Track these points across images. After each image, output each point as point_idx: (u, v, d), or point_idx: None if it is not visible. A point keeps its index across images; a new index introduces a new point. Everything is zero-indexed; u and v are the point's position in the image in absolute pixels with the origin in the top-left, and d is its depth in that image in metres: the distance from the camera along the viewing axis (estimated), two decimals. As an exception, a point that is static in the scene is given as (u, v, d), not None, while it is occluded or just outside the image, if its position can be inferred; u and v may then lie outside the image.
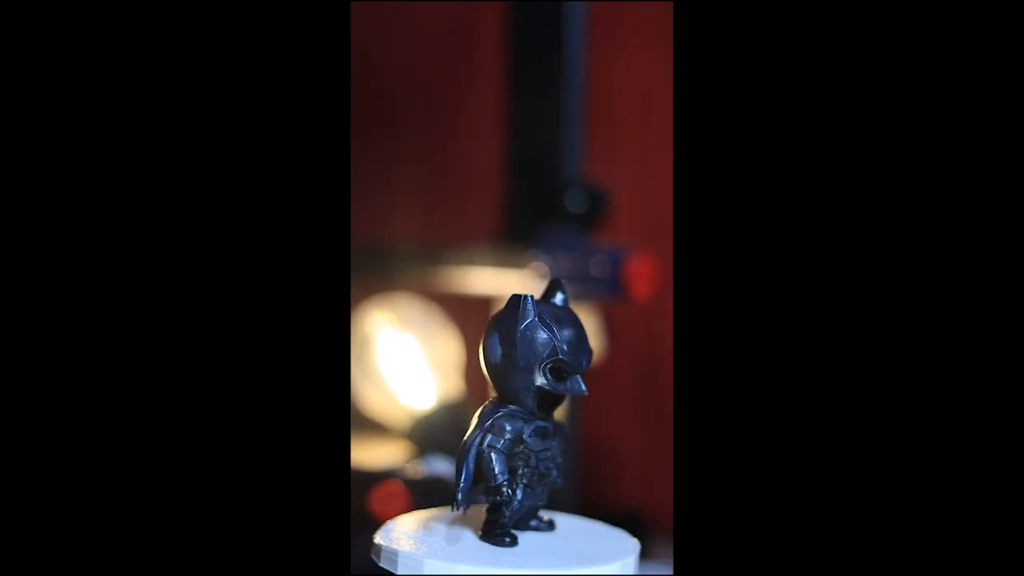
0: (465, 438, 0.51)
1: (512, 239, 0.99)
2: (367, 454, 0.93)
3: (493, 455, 0.50)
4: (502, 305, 0.52)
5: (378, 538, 0.51)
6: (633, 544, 0.52)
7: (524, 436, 0.51)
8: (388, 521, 0.54)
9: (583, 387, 0.51)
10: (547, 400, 0.51)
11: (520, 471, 0.51)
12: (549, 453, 0.51)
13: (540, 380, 0.50)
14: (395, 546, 0.50)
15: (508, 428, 0.51)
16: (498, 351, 0.51)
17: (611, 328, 0.99)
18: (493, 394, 0.52)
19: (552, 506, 0.54)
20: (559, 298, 0.53)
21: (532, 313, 0.50)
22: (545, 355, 0.50)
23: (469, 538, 0.51)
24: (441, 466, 0.82)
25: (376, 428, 1.00)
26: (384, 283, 1.06)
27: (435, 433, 0.90)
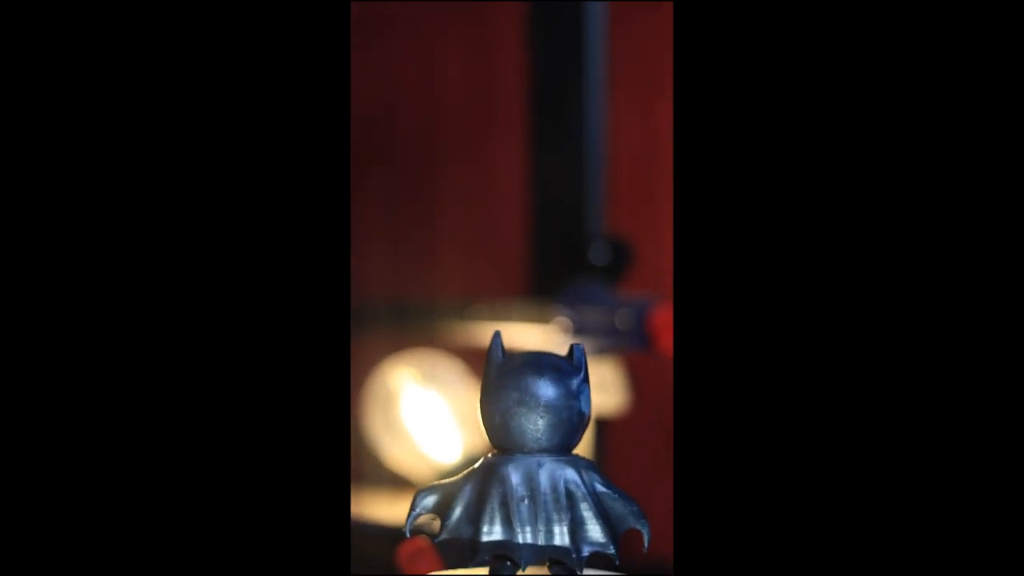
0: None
1: (536, 293, 0.99)
2: (394, 510, 0.92)
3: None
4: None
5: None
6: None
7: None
8: (415, 576, 0.53)
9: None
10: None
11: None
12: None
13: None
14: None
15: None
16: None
17: (635, 380, 0.99)
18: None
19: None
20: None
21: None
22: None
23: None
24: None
25: (402, 483, 1.00)
26: (408, 338, 1.06)
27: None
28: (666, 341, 0.90)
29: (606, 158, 1.01)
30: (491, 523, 0.50)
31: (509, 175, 1.15)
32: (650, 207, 1.13)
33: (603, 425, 0.94)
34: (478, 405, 0.51)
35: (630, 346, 0.91)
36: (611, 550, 0.51)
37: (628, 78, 1.12)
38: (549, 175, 0.99)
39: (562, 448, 0.51)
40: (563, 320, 0.92)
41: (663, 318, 0.90)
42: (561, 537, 0.51)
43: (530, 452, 0.51)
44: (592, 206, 0.99)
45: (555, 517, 0.51)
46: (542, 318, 0.94)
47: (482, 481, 0.51)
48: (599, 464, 0.92)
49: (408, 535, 0.50)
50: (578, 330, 0.92)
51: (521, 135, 1.06)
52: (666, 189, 1.13)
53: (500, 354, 0.51)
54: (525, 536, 0.50)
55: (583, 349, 0.52)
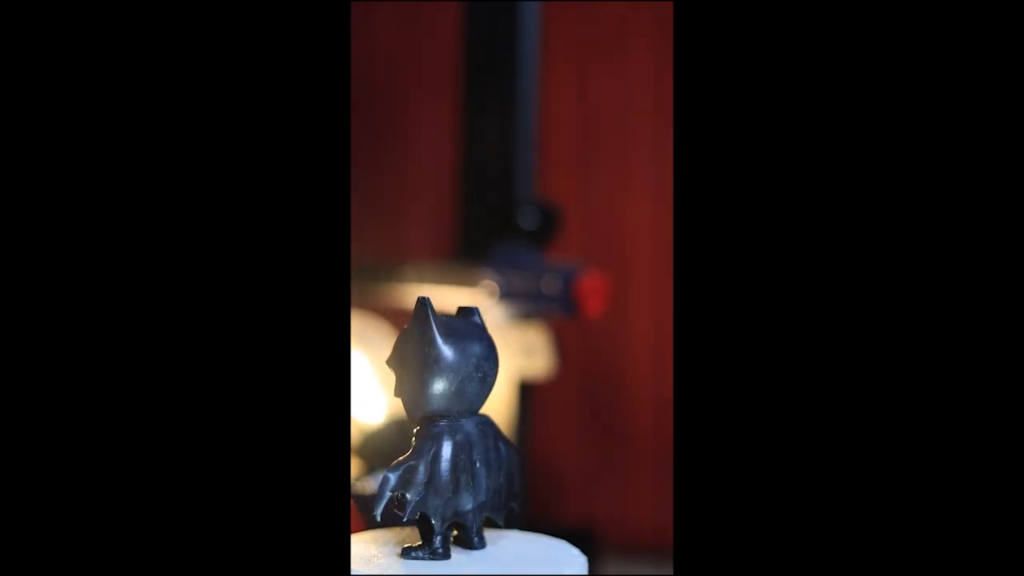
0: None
1: (463, 256, 0.99)
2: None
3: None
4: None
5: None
6: (580, 558, 0.52)
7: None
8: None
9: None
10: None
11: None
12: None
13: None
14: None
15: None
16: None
17: (560, 345, 0.99)
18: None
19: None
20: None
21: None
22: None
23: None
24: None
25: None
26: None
27: (385, 449, 0.90)
28: (592, 306, 0.90)
29: (538, 121, 1.01)
30: (455, 492, 0.50)
31: (438, 136, 1.15)
32: (580, 172, 1.14)
33: (528, 389, 0.94)
34: (412, 374, 0.51)
35: (556, 311, 0.91)
36: (517, 502, 0.52)
37: (563, 40, 1.12)
38: (479, 137, 0.99)
39: (480, 408, 0.52)
40: (490, 284, 0.93)
41: (589, 284, 0.90)
42: (500, 492, 0.52)
43: (470, 415, 0.51)
44: (522, 170, 0.99)
45: (499, 475, 0.52)
46: (469, 281, 0.94)
47: (443, 451, 0.50)
48: (526, 428, 0.92)
49: (379, 519, 0.50)
50: (505, 294, 0.92)
51: (452, 95, 1.06)
52: (597, 154, 1.14)
53: (438, 320, 0.51)
54: (480, 497, 0.51)
55: (480, 311, 0.53)
